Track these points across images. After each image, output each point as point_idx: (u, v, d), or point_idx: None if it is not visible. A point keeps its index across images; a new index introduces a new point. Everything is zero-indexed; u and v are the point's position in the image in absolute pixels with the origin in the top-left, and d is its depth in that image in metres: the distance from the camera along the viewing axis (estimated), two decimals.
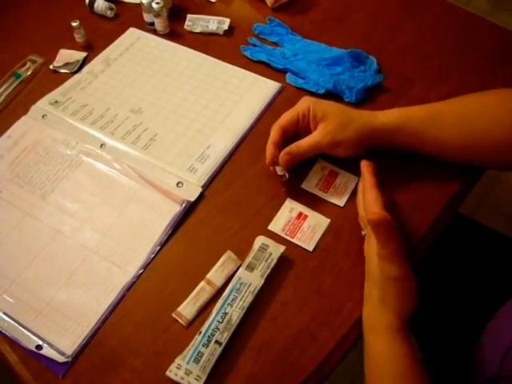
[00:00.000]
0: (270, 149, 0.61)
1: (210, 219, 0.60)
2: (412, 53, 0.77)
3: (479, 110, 0.60)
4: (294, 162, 0.60)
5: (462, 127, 0.59)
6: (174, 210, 0.59)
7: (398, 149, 0.62)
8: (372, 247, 0.51)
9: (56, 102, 0.70)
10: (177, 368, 0.48)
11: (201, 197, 0.61)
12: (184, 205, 0.60)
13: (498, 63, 0.76)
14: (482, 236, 0.79)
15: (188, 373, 0.48)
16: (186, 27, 0.82)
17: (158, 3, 0.77)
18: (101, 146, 0.65)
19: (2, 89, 0.72)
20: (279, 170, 0.60)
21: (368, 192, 0.55)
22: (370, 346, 0.51)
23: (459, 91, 0.62)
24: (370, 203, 0.54)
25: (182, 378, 0.48)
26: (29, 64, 0.76)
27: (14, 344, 0.52)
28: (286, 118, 0.62)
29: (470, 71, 0.75)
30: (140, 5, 0.79)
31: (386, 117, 0.60)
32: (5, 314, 0.53)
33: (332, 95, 0.71)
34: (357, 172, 0.63)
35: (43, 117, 0.69)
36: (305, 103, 0.61)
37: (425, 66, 0.75)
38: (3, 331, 0.52)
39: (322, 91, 0.71)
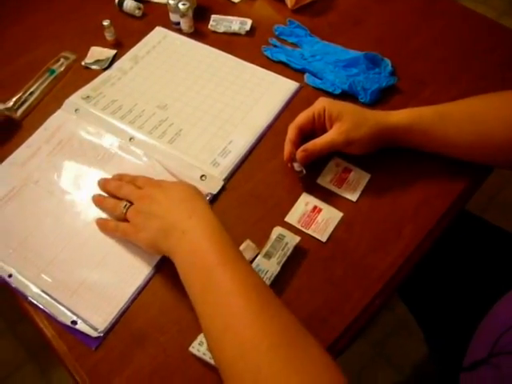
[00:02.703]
0: (287, 146, 0.65)
1: (231, 210, 0.64)
2: (425, 56, 0.80)
3: (486, 110, 0.63)
4: (310, 158, 0.64)
5: (469, 125, 0.62)
6: None
7: (408, 147, 0.66)
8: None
9: (88, 96, 0.75)
10: (199, 345, 0.53)
11: (222, 189, 0.65)
12: (208, 197, 0.64)
13: (509, 67, 0.78)
14: (490, 234, 0.81)
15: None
16: (209, 27, 0.86)
17: (184, 4, 0.81)
18: (130, 139, 0.70)
19: (38, 83, 0.77)
20: (296, 166, 0.64)
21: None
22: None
23: (470, 94, 0.65)
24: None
25: (204, 354, 0.52)
26: (62, 60, 0.80)
27: (51, 319, 0.56)
28: (303, 117, 0.65)
29: (481, 75, 0.78)
30: (167, 5, 0.84)
31: (397, 116, 0.64)
32: (43, 291, 0.58)
33: (347, 95, 0.74)
34: (369, 169, 0.67)
35: (76, 111, 0.73)
36: (320, 104, 0.65)
37: (437, 69, 0.78)
38: (42, 307, 0.57)
39: (338, 91, 0.75)
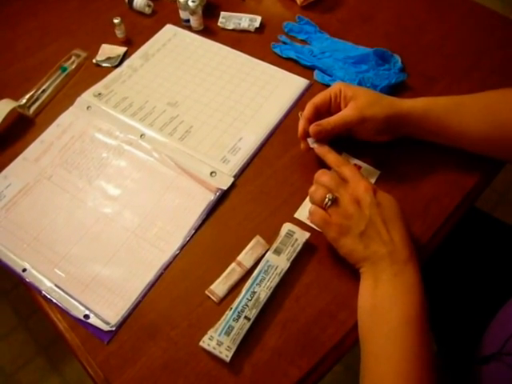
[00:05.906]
0: (302, 122, 0.65)
1: (241, 206, 0.65)
2: (435, 52, 0.80)
3: (503, 101, 0.63)
4: (323, 134, 0.63)
5: (485, 115, 0.62)
6: (208, 197, 0.64)
7: (421, 138, 0.66)
8: (359, 188, 0.56)
9: (99, 94, 0.76)
10: (209, 339, 0.53)
11: (232, 186, 0.66)
12: (217, 193, 0.65)
13: None
14: (500, 231, 0.81)
15: (219, 344, 0.53)
16: (219, 24, 0.86)
17: (193, 1, 0.81)
18: (140, 136, 0.71)
19: (50, 81, 0.78)
20: (311, 142, 0.64)
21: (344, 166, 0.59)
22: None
23: (481, 90, 0.65)
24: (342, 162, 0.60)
25: (214, 348, 0.53)
26: (73, 58, 0.81)
27: (64, 313, 0.57)
28: (320, 96, 0.66)
29: (492, 71, 0.77)
30: (176, 2, 0.84)
31: (412, 102, 0.64)
32: (56, 286, 0.59)
33: None
34: (379, 166, 0.67)
35: (88, 108, 0.74)
36: (337, 86, 0.65)
37: (447, 65, 0.78)
38: (55, 301, 0.58)
39: None
